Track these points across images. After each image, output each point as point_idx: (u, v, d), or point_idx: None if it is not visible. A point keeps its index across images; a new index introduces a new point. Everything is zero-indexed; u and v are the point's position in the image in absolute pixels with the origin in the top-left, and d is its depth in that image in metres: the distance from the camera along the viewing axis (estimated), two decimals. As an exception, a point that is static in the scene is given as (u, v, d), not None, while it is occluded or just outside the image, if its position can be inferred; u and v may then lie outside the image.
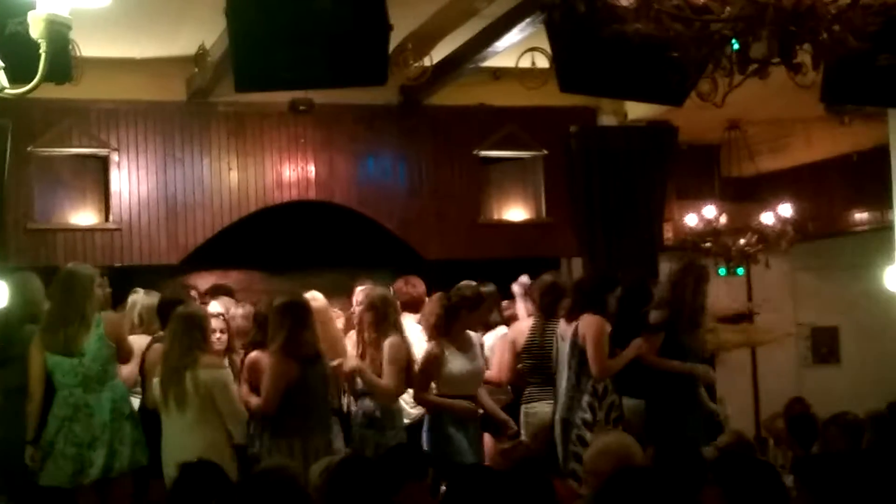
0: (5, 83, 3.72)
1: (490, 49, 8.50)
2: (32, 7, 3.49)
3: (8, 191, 8.94)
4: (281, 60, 6.41)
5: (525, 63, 8.57)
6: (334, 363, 7.10)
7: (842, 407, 7.37)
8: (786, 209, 11.37)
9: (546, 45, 7.47)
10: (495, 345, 7.87)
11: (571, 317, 7.33)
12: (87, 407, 6.69)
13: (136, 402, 7.15)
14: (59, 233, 9.39)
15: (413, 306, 8.04)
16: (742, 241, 11.35)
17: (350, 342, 7.46)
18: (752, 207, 11.86)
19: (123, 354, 7.00)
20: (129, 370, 7.15)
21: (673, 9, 4.75)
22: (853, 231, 12.17)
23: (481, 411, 7.24)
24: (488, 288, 7.88)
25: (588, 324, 7.19)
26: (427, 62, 8.68)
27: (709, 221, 11.41)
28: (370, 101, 9.57)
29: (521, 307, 8.21)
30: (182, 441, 6.46)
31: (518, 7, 7.69)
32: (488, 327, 7.99)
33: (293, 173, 9.90)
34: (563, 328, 7.47)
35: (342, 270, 9.46)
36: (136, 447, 6.79)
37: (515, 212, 10.72)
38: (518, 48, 8.41)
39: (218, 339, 7.12)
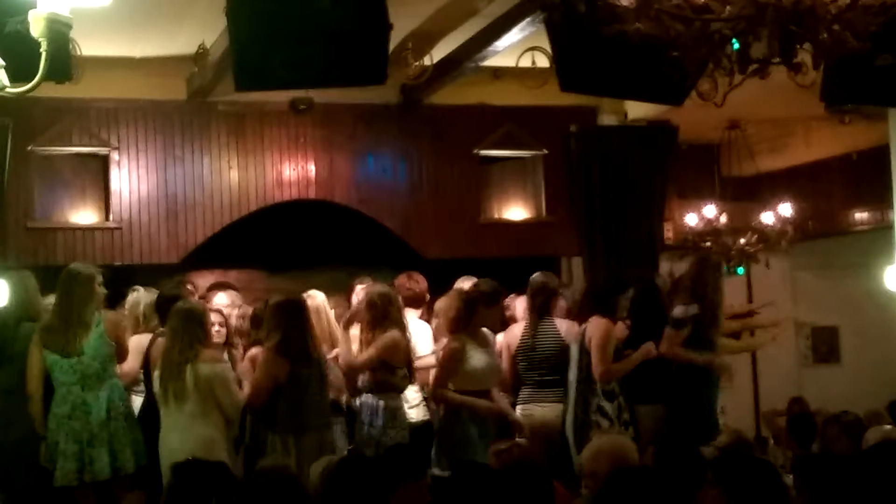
0: (6, 82, 3.72)
1: (490, 48, 8.49)
2: (33, 6, 3.49)
3: (8, 189, 8.94)
4: (281, 60, 6.40)
5: (525, 62, 8.57)
6: (330, 355, 7.11)
7: (842, 406, 7.39)
8: (786, 209, 11.37)
9: (546, 45, 7.46)
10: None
11: (581, 318, 7.36)
12: (85, 405, 6.70)
13: (137, 400, 7.16)
14: (60, 232, 9.39)
15: (415, 302, 8.06)
16: (742, 241, 11.36)
17: (353, 339, 7.47)
18: (753, 207, 11.87)
19: (122, 354, 7.01)
20: (129, 366, 7.16)
21: (673, 8, 4.76)
22: (853, 231, 12.17)
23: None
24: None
25: (594, 326, 7.22)
26: (427, 61, 8.68)
27: (709, 221, 11.42)
28: (370, 100, 9.56)
29: (520, 308, 8.19)
30: (180, 435, 6.47)
31: (518, 6, 7.69)
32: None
33: (293, 172, 9.90)
34: (571, 329, 7.51)
35: (342, 269, 9.47)
36: (137, 447, 6.79)
37: (515, 211, 10.72)
38: (518, 47, 8.40)
39: (217, 332, 7.15)
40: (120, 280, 8.25)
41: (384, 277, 8.35)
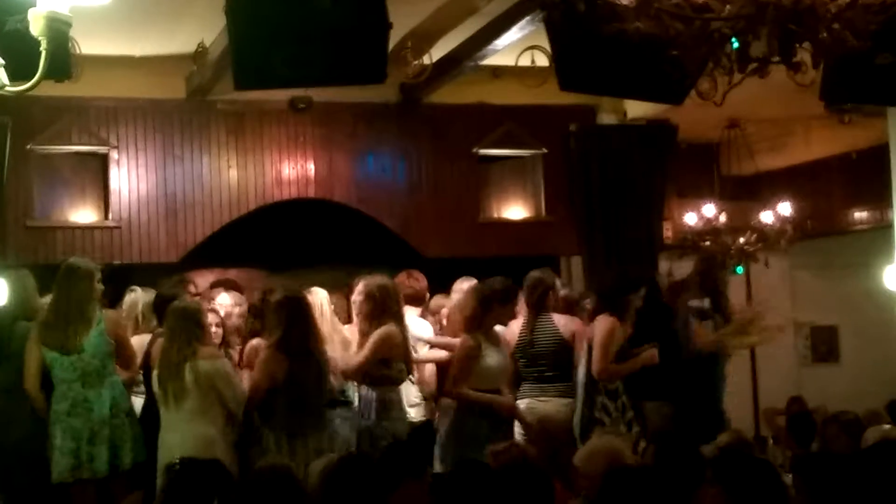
0: (5, 80, 3.72)
1: (490, 47, 8.49)
2: (33, 4, 3.49)
3: (7, 188, 8.94)
4: (280, 58, 6.40)
5: (525, 61, 8.57)
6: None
7: (841, 406, 7.39)
8: (785, 208, 11.37)
9: (546, 44, 7.46)
10: None
11: (592, 318, 7.37)
12: (86, 402, 6.69)
13: (137, 401, 7.14)
14: (59, 230, 9.39)
15: (416, 300, 8.05)
16: (741, 240, 11.35)
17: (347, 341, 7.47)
18: (752, 206, 11.87)
19: (124, 356, 6.96)
20: (134, 369, 7.14)
21: (673, 7, 4.76)
22: (853, 230, 12.17)
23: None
24: None
25: (599, 324, 7.23)
26: (426, 60, 8.68)
27: (708, 220, 11.42)
28: (370, 99, 9.56)
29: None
30: (180, 434, 6.46)
31: (518, 5, 7.69)
32: None
33: (293, 171, 9.90)
34: (569, 324, 7.52)
35: (342, 268, 9.45)
36: (136, 444, 6.79)
37: (515, 210, 10.72)
38: (518, 46, 8.40)
39: (214, 332, 7.15)
40: (119, 279, 8.25)
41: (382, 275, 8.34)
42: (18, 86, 3.69)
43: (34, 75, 3.59)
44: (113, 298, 7.76)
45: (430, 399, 7.67)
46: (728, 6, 4.71)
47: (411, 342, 7.40)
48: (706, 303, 8.11)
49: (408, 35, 8.38)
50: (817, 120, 11.17)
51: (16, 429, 6.81)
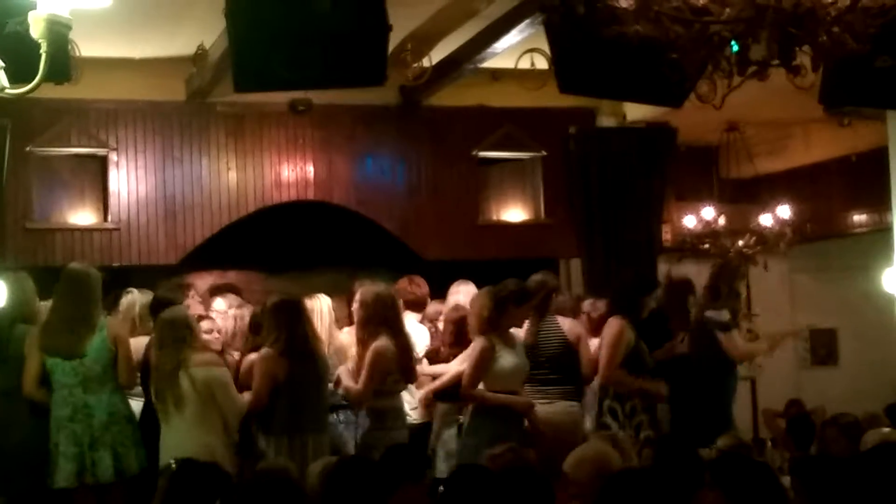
0: (6, 83, 3.72)
1: (489, 50, 8.49)
2: (33, 7, 3.49)
3: (7, 190, 8.94)
4: (280, 61, 6.40)
5: (524, 64, 8.56)
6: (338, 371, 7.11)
7: (840, 408, 7.39)
8: (784, 211, 11.37)
9: (545, 46, 7.46)
10: None
11: (603, 319, 7.39)
12: (87, 407, 6.68)
13: (135, 405, 7.13)
14: (58, 232, 9.39)
15: (417, 306, 8.05)
16: (740, 243, 11.35)
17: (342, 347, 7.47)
18: (751, 209, 11.87)
19: (122, 363, 6.90)
20: (133, 376, 7.11)
21: (672, 10, 4.76)
22: (852, 233, 12.17)
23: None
24: None
25: (609, 326, 7.23)
26: (426, 63, 8.68)
27: (707, 223, 11.41)
28: (369, 101, 9.56)
29: None
30: (181, 440, 6.45)
31: (517, 8, 7.69)
32: None
33: (292, 173, 9.90)
34: (574, 327, 7.54)
35: (341, 271, 9.46)
36: (139, 449, 6.78)
37: (514, 213, 10.72)
38: (517, 49, 8.40)
39: (216, 338, 7.14)
40: (118, 281, 8.24)
41: (383, 279, 8.33)
42: (18, 88, 3.69)
43: (34, 77, 3.58)
44: (110, 301, 7.75)
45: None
46: (727, 9, 4.71)
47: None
48: (724, 314, 8.17)
49: (407, 37, 8.38)
50: (817, 123, 11.18)
51: (15, 432, 6.80)
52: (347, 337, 7.51)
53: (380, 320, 7.03)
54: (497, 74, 9.67)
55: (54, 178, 9.48)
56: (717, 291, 8.66)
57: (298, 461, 6.23)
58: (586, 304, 8.34)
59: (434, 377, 7.61)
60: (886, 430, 6.56)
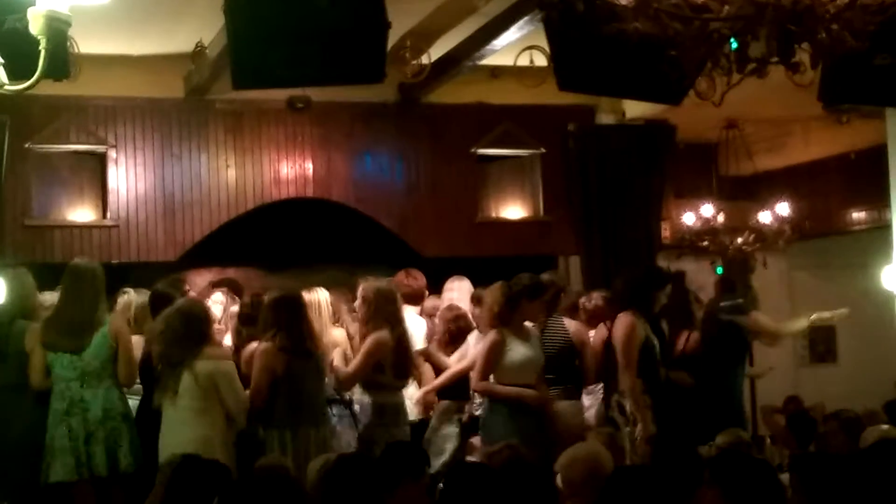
0: (5, 79, 3.72)
1: (488, 47, 8.49)
2: (32, 3, 3.49)
3: (6, 187, 8.94)
4: (279, 58, 6.39)
5: (523, 61, 8.57)
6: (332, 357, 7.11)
7: (839, 406, 7.40)
8: (783, 208, 11.38)
9: (544, 44, 7.46)
10: None
11: (613, 313, 7.37)
12: (83, 402, 6.67)
13: (133, 403, 7.12)
14: (57, 229, 9.39)
15: (414, 299, 8.06)
16: (739, 240, 11.36)
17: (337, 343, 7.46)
18: (750, 206, 11.88)
19: (123, 360, 6.88)
20: (133, 375, 7.09)
21: (672, 7, 4.75)
22: (851, 230, 12.18)
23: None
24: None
25: (619, 325, 7.22)
26: (425, 60, 8.69)
27: (706, 220, 11.43)
28: (368, 98, 9.56)
29: None
30: (181, 431, 6.44)
31: (516, 5, 7.69)
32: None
33: (291, 170, 9.90)
34: (579, 329, 7.53)
35: (340, 267, 9.46)
36: (133, 447, 6.77)
37: (513, 210, 10.72)
38: (516, 46, 8.41)
39: (219, 330, 7.14)
40: (116, 278, 8.23)
41: (381, 276, 8.34)
42: (17, 85, 3.69)
43: (33, 74, 3.58)
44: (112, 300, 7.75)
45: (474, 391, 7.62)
46: (727, 6, 4.71)
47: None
48: (739, 301, 8.28)
49: (406, 35, 8.38)
50: (816, 120, 11.18)
51: (15, 426, 6.80)
52: (341, 333, 7.50)
53: (382, 315, 7.04)
54: (496, 72, 9.68)
55: (53, 175, 9.48)
56: (730, 284, 8.67)
57: (299, 456, 6.24)
58: (582, 298, 8.36)
59: (435, 367, 7.62)
60: (885, 427, 6.56)
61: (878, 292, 9.98)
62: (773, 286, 12.37)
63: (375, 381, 7.08)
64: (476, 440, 7.22)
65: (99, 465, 6.63)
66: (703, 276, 10.86)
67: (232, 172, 9.76)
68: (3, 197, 8.94)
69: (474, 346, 7.56)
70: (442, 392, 7.66)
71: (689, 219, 11.52)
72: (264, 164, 9.83)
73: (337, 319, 7.60)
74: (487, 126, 10.38)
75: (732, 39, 4.78)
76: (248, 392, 6.75)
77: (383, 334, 6.99)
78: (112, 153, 9.50)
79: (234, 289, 8.40)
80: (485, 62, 9.06)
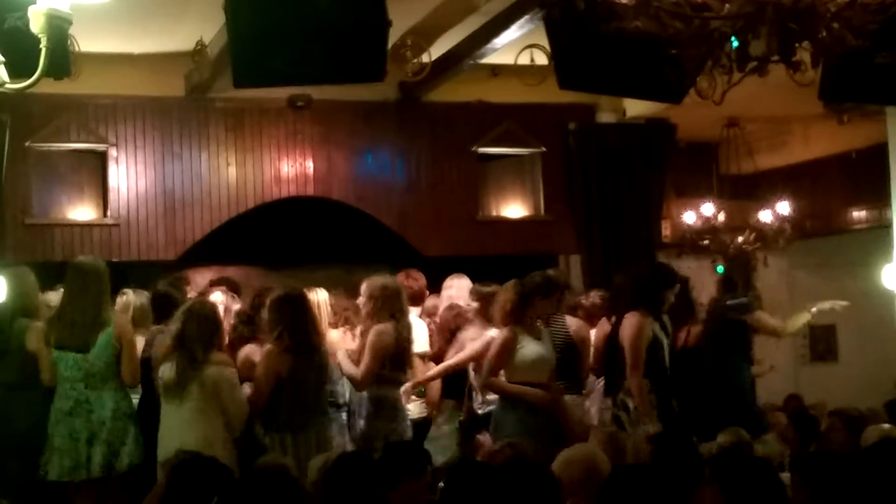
0: (5, 78, 3.72)
1: (489, 46, 8.49)
2: (33, 2, 3.49)
3: (6, 186, 8.94)
4: (279, 56, 6.38)
5: (524, 60, 8.56)
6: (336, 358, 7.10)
7: (839, 404, 7.40)
8: (784, 207, 11.39)
9: (545, 42, 7.45)
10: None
11: (619, 311, 7.36)
12: (88, 403, 6.66)
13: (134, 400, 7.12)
14: (57, 228, 9.39)
15: (415, 299, 8.05)
16: (740, 239, 11.37)
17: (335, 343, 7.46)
18: (751, 205, 11.88)
19: (127, 360, 6.86)
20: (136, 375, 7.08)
21: (672, 6, 4.75)
22: (851, 229, 12.18)
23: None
24: (489, 288, 7.83)
25: (627, 324, 7.20)
26: (426, 58, 8.68)
27: (707, 219, 11.43)
28: (368, 97, 9.56)
29: None
30: (181, 431, 6.43)
31: (517, 4, 7.69)
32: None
33: (291, 169, 9.90)
34: (581, 328, 7.54)
35: (340, 266, 9.46)
36: (134, 446, 6.76)
37: (514, 209, 10.72)
38: (517, 45, 8.40)
39: (224, 330, 7.13)
40: (117, 277, 8.22)
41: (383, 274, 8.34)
42: (18, 83, 3.69)
43: (34, 73, 3.58)
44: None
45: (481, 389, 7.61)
46: (727, 5, 4.71)
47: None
48: (743, 299, 8.29)
49: (407, 33, 8.38)
50: (816, 119, 11.19)
51: (16, 424, 6.79)
52: (338, 334, 7.50)
53: (388, 311, 7.04)
54: (497, 70, 9.68)
55: (53, 174, 9.48)
56: (732, 283, 8.67)
57: (302, 456, 6.23)
58: (581, 297, 8.37)
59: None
60: (886, 426, 6.56)
61: (878, 291, 9.98)
62: (774, 285, 12.36)
63: (378, 374, 7.08)
64: (484, 437, 7.21)
65: (95, 466, 6.61)
66: (703, 276, 10.87)
67: (232, 171, 9.76)
68: (3, 195, 8.94)
69: (471, 340, 7.56)
70: (445, 390, 7.66)
71: (689, 218, 11.52)
72: (265, 163, 9.83)
73: (337, 321, 7.60)
74: (488, 125, 10.38)
75: (733, 38, 4.78)
76: (245, 389, 6.75)
77: (386, 326, 6.99)
78: (112, 152, 9.51)
79: (231, 288, 8.39)
80: (485, 61, 9.06)
